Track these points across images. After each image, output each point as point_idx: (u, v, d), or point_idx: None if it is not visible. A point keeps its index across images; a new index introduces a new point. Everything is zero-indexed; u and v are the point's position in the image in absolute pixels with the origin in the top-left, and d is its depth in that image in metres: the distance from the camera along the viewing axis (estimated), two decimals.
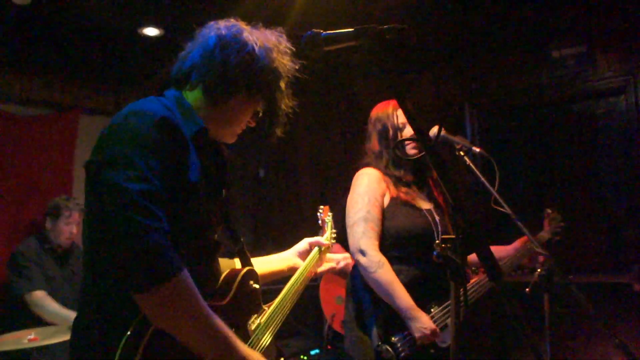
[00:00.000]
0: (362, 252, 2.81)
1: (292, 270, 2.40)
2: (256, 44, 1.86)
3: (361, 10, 4.49)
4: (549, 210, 3.41)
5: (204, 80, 1.83)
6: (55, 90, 5.47)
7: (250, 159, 6.96)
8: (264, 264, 2.34)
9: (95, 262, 1.64)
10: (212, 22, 1.93)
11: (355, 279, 2.97)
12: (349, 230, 2.92)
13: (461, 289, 1.39)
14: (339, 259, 2.71)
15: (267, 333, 2.03)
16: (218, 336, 1.59)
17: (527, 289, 2.51)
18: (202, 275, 1.77)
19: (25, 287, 4.21)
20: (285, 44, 1.97)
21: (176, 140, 1.64)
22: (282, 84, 1.95)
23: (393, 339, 2.71)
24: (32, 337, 3.47)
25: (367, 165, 3.07)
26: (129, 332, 1.49)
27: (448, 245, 1.37)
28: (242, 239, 2.17)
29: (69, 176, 5.46)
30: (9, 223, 4.93)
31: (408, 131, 3.00)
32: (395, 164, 3.00)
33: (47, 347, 3.56)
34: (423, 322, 2.68)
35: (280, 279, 2.41)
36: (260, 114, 2.00)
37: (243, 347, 1.67)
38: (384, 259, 2.80)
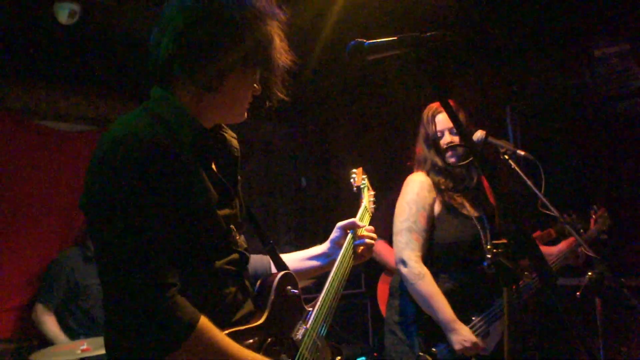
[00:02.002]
0: (404, 263, 2.84)
1: (332, 263, 2.12)
2: (233, 6, 1.56)
3: (399, 15, 4.49)
4: (595, 207, 3.34)
5: (191, 69, 1.55)
6: (99, 106, 5.55)
7: (292, 168, 7.00)
8: (299, 263, 2.14)
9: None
10: None
11: (400, 281, 2.98)
12: (393, 238, 2.94)
13: (514, 294, 1.38)
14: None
15: (316, 336, 1.88)
16: None
17: (577, 293, 2.48)
18: (234, 296, 1.65)
19: (39, 297, 4.41)
20: None
21: (168, 162, 1.44)
22: (277, 39, 1.65)
23: (434, 349, 2.71)
24: (84, 347, 3.56)
25: (417, 167, 3.07)
26: None
27: (500, 250, 1.36)
28: (270, 240, 2.01)
29: None
30: (58, 236, 5.04)
31: (446, 139, 2.99)
32: (435, 171, 3.00)
33: (98, 357, 3.63)
34: (464, 335, 2.68)
35: (320, 274, 2.21)
36: (259, 76, 1.71)
37: None
38: (424, 271, 2.81)
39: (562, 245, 3.18)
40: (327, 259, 2.17)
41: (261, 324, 1.68)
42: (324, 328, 1.93)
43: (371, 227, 2.25)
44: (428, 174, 3.01)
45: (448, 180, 2.98)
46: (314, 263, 2.17)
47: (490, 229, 2.92)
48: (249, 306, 1.71)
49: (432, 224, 2.93)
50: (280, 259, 2.01)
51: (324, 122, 6.88)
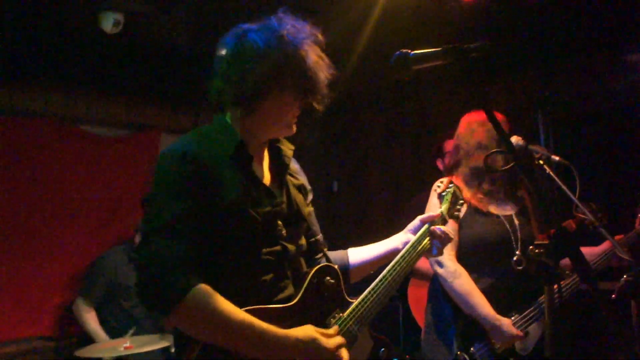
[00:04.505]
0: (438, 263, 2.87)
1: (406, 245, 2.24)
2: (259, 40, 1.87)
3: (431, 23, 4.54)
4: None
5: (235, 98, 1.90)
6: (136, 111, 5.67)
7: (323, 173, 7.07)
8: (374, 248, 2.29)
9: None
10: (220, 40, 1.97)
11: (436, 283, 3.02)
12: None
13: (556, 293, 1.44)
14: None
15: (352, 324, 2.00)
16: (254, 335, 1.70)
17: (612, 295, 2.50)
18: (271, 282, 1.87)
19: (81, 291, 4.57)
20: (291, 18, 1.93)
21: (199, 169, 1.79)
22: (312, 57, 1.90)
23: (472, 349, 2.74)
24: (127, 345, 3.67)
25: (447, 173, 3.12)
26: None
27: (541, 250, 1.43)
28: (317, 237, 2.20)
29: None
30: (95, 240, 5.17)
31: (483, 151, 2.99)
32: (471, 175, 3.03)
33: (141, 355, 3.75)
34: (505, 329, 2.70)
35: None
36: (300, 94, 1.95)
37: (288, 333, 1.76)
38: (460, 269, 2.84)
39: (605, 246, 3.15)
40: (401, 241, 2.28)
41: (290, 306, 1.87)
42: (363, 317, 2.04)
43: (447, 228, 2.33)
44: (462, 179, 3.05)
45: (485, 183, 3.00)
46: (390, 246, 2.28)
47: (522, 227, 2.94)
48: (289, 291, 1.93)
49: (460, 224, 2.95)
50: (327, 256, 2.19)
51: (356, 126, 6.95)
